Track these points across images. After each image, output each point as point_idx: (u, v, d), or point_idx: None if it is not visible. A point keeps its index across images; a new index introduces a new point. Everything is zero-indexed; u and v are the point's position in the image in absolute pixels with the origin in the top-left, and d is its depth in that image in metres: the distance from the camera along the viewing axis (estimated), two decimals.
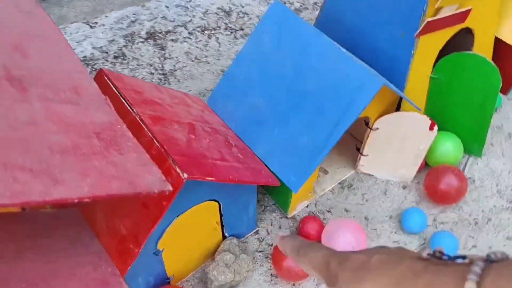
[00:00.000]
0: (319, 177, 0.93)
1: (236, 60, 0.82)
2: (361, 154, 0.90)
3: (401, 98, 0.86)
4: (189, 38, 1.20)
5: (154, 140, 0.59)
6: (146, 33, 1.21)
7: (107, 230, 0.63)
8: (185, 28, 1.21)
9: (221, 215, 0.75)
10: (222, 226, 0.77)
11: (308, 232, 0.82)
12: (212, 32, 1.21)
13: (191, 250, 0.76)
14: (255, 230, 0.86)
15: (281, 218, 0.89)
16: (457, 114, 0.91)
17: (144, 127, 0.61)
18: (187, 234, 0.72)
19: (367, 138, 0.86)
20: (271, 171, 0.75)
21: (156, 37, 1.20)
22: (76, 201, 0.30)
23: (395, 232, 0.86)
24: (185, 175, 0.55)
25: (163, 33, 1.21)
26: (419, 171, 0.92)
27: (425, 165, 0.93)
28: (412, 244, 0.85)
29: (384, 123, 0.82)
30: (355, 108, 0.68)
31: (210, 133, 0.73)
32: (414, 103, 0.79)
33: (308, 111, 0.73)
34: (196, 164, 0.60)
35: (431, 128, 0.81)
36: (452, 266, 0.26)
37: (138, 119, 0.62)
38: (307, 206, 0.90)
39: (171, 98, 0.75)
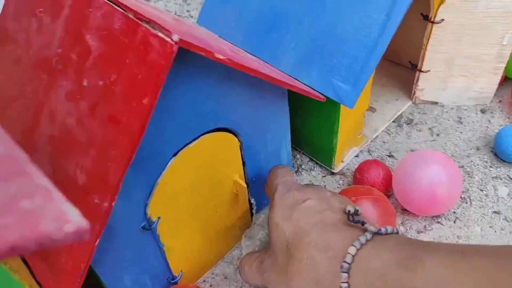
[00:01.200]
0: (365, 117, 0.68)
1: None
2: (420, 70, 0.64)
3: None
4: None
5: (116, 6, 0.34)
6: None
7: (56, 185, 0.36)
8: None
9: (243, 164, 0.49)
10: (247, 185, 0.50)
11: (372, 182, 0.56)
12: None
13: (205, 226, 0.49)
14: None
15: (324, 176, 0.62)
16: None
17: None
18: (196, 196, 0.45)
19: (428, 40, 0.61)
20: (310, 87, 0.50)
21: None
22: None
23: (491, 166, 0.60)
24: (176, 37, 0.30)
25: None
26: (498, 87, 0.67)
27: (505, 78, 0.69)
28: None
29: (453, 9, 0.57)
30: None
31: (208, 34, 0.48)
32: None
33: None
34: (192, 37, 0.35)
35: None
36: (352, 230, 0.34)
37: None
38: (357, 156, 0.64)
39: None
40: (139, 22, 0.32)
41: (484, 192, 0.57)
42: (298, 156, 0.65)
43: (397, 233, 0.34)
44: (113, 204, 0.33)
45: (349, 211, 0.35)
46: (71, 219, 0.16)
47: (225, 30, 0.56)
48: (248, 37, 0.54)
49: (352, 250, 0.32)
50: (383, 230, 0.33)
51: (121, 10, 0.33)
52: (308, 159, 0.64)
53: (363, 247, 0.32)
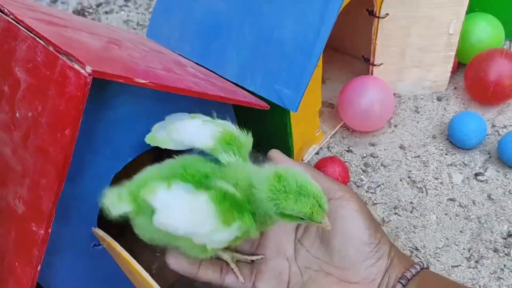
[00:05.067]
0: (324, 114, 0.69)
1: None
2: (373, 64, 0.65)
3: None
4: (126, 6, 0.97)
5: (38, 39, 0.35)
6: (73, 11, 0.97)
7: (0, 214, 0.38)
8: None
9: None
10: None
11: None
12: None
13: None
14: None
15: None
16: None
17: (23, 28, 0.36)
18: None
19: (376, 34, 0.62)
20: (254, 94, 0.51)
21: (86, 13, 0.96)
22: None
23: (446, 154, 0.61)
24: (88, 69, 0.31)
25: (94, 7, 0.98)
26: (452, 74, 0.68)
27: (458, 64, 0.69)
28: (475, 162, 0.60)
29: (396, 3, 0.58)
30: None
31: (148, 52, 0.49)
32: None
33: None
34: (114, 63, 0.36)
35: None
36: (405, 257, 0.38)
37: (11, 20, 0.37)
38: (317, 153, 0.65)
39: (86, 22, 0.51)
40: (58, 54, 0.33)
41: (439, 180, 0.59)
42: (260, 158, 0.66)
43: None
44: (49, 231, 0.34)
45: None
46: None
47: (172, 41, 0.57)
48: (193, 47, 0.55)
49: (408, 274, 0.36)
50: (424, 264, 0.38)
51: (43, 43, 0.34)
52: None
53: (414, 277, 0.36)
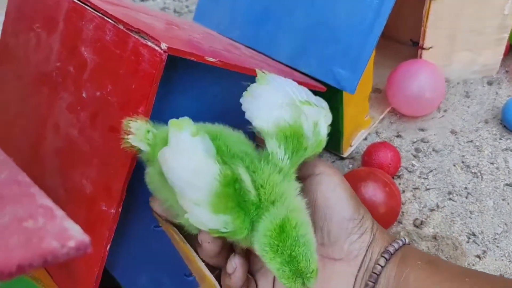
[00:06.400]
0: (371, 99, 0.68)
1: None
2: (422, 47, 0.64)
3: None
4: None
5: (107, 18, 0.35)
6: None
7: (66, 195, 0.38)
8: None
9: None
10: None
11: (380, 164, 0.56)
12: None
13: None
14: None
15: (333, 161, 0.63)
16: None
17: (89, 8, 0.36)
18: None
19: (428, 17, 0.60)
20: (308, 76, 0.50)
21: None
22: None
23: (500, 138, 0.60)
24: (164, 46, 0.30)
25: None
26: (503, 57, 0.66)
27: (510, 47, 0.67)
28: None
29: None
30: None
31: (205, 34, 0.48)
32: None
33: None
34: (180, 42, 0.35)
35: None
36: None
37: (76, 0, 0.37)
38: (365, 139, 0.64)
39: (139, 4, 0.50)
40: (129, 32, 0.33)
41: (494, 165, 0.57)
42: None
43: None
44: (119, 210, 0.34)
45: None
46: (72, 235, 0.17)
47: (222, 25, 0.56)
48: (244, 30, 0.54)
49: (391, 248, 0.36)
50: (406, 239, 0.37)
51: (112, 21, 0.34)
52: None
53: (396, 252, 0.36)
